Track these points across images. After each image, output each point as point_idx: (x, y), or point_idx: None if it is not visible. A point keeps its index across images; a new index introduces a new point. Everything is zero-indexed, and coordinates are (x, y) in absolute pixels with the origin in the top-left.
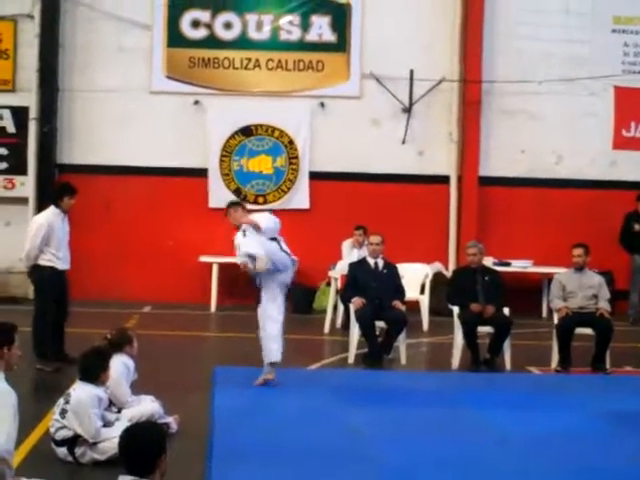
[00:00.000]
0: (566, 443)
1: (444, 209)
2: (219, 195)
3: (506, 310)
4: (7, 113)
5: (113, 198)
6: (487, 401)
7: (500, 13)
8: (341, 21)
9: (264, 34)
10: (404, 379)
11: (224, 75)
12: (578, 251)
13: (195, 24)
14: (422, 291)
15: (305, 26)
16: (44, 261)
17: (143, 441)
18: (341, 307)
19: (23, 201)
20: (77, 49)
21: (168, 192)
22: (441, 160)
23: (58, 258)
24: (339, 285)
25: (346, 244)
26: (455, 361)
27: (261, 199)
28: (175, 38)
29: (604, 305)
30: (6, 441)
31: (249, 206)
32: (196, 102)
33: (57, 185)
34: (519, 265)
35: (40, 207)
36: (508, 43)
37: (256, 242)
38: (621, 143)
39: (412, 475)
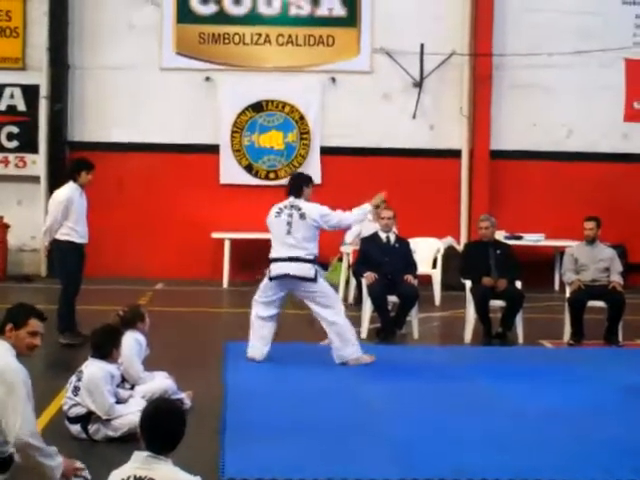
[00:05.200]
0: (580, 416)
1: (455, 183)
2: (230, 171)
3: (518, 284)
4: (17, 91)
5: (124, 175)
6: (500, 374)
7: None
8: None
9: (274, 9)
10: (417, 353)
11: (234, 51)
12: (590, 224)
13: None
14: (434, 265)
15: (315, 1)
16: (63, 235)
17: (170, 419)
18: (353, 282)
19: (34, 179)
20: (87, 26)
21: (179, 169)
22: (452, 134)
23: (76, 232)
24: (351, 260)
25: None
26: (467, 335)
27: (272, 175)
28: (185, 14)
29: (616, 278)
30: (21, 426)
31: (260, 182)
32: (207, 78)
33: (74, 160)
34: (531, 239)
35: (51, 185)
36: (519, 16)
37: None
38: (632, 115)
39: (425, 449)
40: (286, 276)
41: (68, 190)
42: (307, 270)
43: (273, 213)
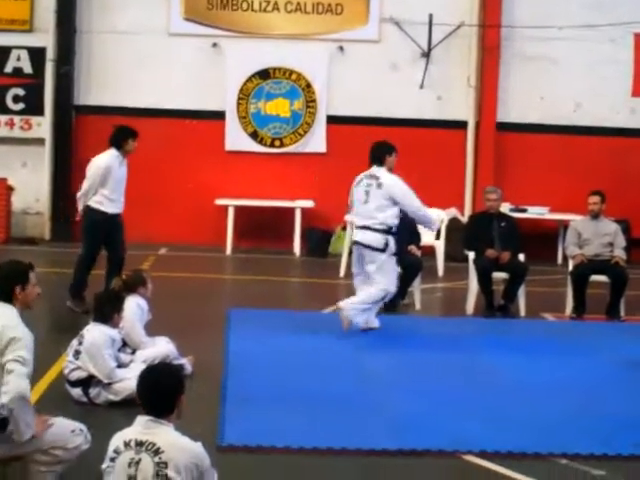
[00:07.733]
0: (580, 389)
1: (461, 154)
2: (236, 138)
3: (521, 256)
4: (24, 54)
5: None
6: (501, 347)
7: None
8: None
9: None
10: (418, 324)
11: (242, 17)
12: (594, 199)
13: None
14: (437, 236)
15: None
16: (94, 203)
17: (163, 381)
18: None
19: (39, 142)
20: None
21: (185, 135)
22: (459, 105)
23: (110, 200)
24: None
25: None
26: (470, 307)
27: (278, 142)
28: None
29: (619, 253)
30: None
31: (265, 149)
32: (214, 45)
33: (119, 127)
34: (535, 212)
35: (57, 148)
36: None
37: None
38: None
39: (424, 420)
40: (356, 243)
41: (109, 157)
42: (374, 239)
43: (355, 182)
